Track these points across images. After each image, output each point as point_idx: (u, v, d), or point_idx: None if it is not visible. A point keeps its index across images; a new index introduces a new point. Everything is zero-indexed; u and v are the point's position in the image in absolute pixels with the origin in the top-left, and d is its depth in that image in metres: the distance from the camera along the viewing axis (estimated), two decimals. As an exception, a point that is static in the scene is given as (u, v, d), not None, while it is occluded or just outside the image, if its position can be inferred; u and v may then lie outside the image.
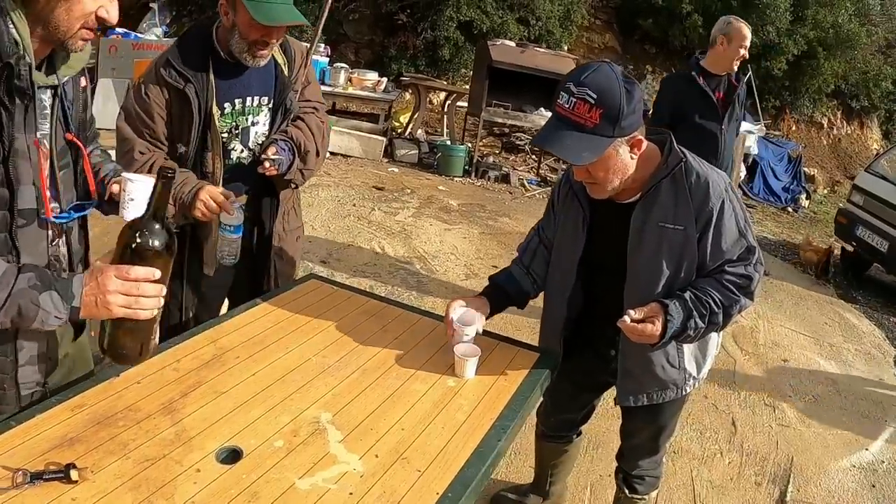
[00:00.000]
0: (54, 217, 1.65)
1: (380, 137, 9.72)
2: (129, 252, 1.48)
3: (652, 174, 2.07)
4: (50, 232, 1.67)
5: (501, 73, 9.41)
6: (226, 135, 2.47)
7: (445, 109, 11.45)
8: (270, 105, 2.56)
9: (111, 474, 1.46)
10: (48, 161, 1.64)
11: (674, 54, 17.55)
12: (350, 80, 9.82)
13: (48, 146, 1.63)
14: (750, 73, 15.03)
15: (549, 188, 9.91)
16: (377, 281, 5.41)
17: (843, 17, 17.43)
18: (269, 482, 1.50)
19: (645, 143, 2.00)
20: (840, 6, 17.51)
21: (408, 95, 11.97)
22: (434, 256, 6.24)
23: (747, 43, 4.24)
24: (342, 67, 9.84)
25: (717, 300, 2.05)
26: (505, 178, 9.84)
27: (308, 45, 4.09)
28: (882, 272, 8.69)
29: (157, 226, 1.48)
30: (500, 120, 10.10)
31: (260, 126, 2.56)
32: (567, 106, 1.87)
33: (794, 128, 19.10)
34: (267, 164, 2.42)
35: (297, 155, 2.52)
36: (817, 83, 18.21)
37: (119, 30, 9.42)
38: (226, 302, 2.89)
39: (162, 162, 2.34)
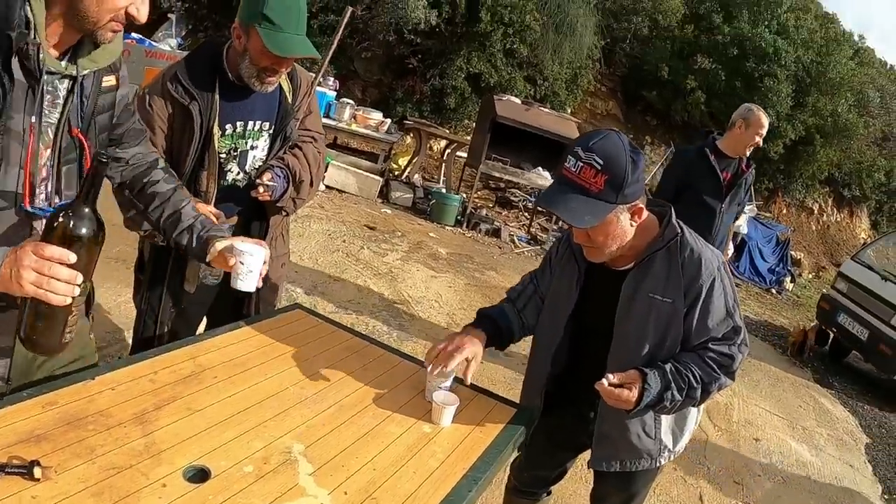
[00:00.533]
0: (31, 208, 1.59)
1: (377, 177, 9.77)
2: (51, 232, 1.44)
3: (648, 244, 2.09)
4: (30, 225, 1.62)
5: (504, 128, 9.51)
6: (223, 155, 2.47)
7: (444, 157, 11.55)
8: (271, 131, 2.57)
9: (75, 477, 1.43)
10: (50, 151, 1.62)
11: (674, 128, 17.84)
12: (355, 116, 9.90)
13: (51, 136, 1.61)
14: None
15: (539, 247, 9.96)
16: (359, 318, 5.38)
17: (842, 107, 17.82)
18: (234, 506, 1.47)
19: (645, 213, 2.04)
20: (840, 96, 17.90)
21: (409, 139, 12.06)
22: (418, 301, 6.23)
23: (763, 132, 4.35)
24: (348, 103, 9.93)
25: (696, 375, 2.05)
26: (496, 233, 9.89)
27: (314, 75, 4.13)
28: (860, 360, 8.80)
29: (85, 210, 1.45)
30: (497, 174, 10.17)
31: (258, 150, 2.57)
32: (574, 170, 1.91)
33: (784, 211, 19.35)
34: (261, 189, 2.43)
35: (291, 183, 2.53)
36: (812, 169, 18.56)
37: (134, 35, 9.49)
38: (203, 321, 2.86)
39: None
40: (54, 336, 1.53)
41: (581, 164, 1.89)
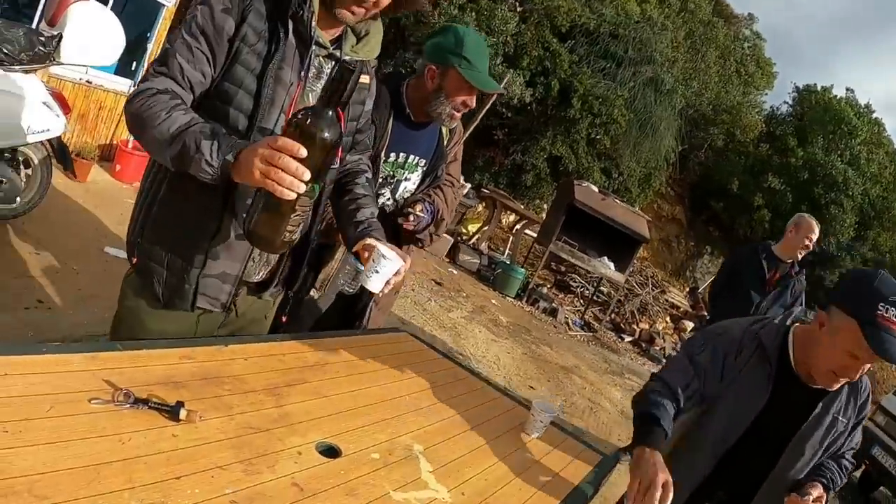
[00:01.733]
0: None
1: (448, 237, 9.92)
2: (289, 127, 1.51)
3: None
4: None
5: (578, 212, 9.64)
6: (381, 180, 2.63)
7: (514, 232, 11.67)
8: (425, 168, 2.74)
9: (214, 427, 1.48)
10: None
11: (735, 242, 17.89)
12: (437, 175, 10.10)
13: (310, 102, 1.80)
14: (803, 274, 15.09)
15: (592, 334, 9.95)
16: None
17: (902, 246, 17.76)
18: (366, 484, 1.53)
19: None
20: (902, 234, 17.88)
21: (481, 207, 12.24)
22: (478, 360, 6.29)
23: (813, 236, 4.57)
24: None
25: (838, 482, 2.21)
26: (552, 312, 9.93)
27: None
28: (889, 497, 8.53)
29: (325, 111, 1.52)
30: (564, 255, 10.26)
31: (410, 183, 2.73)
32: (893, 318, 1.90)
33: (833, 339, 19.04)
34: (411, 219, 2.57)
35: (434, 219, 2.66)
36: (864, 302, 18.29)
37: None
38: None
39: None
40: (276, 232, 1.59)
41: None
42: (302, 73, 1.76)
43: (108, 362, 1.55)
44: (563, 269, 12.26)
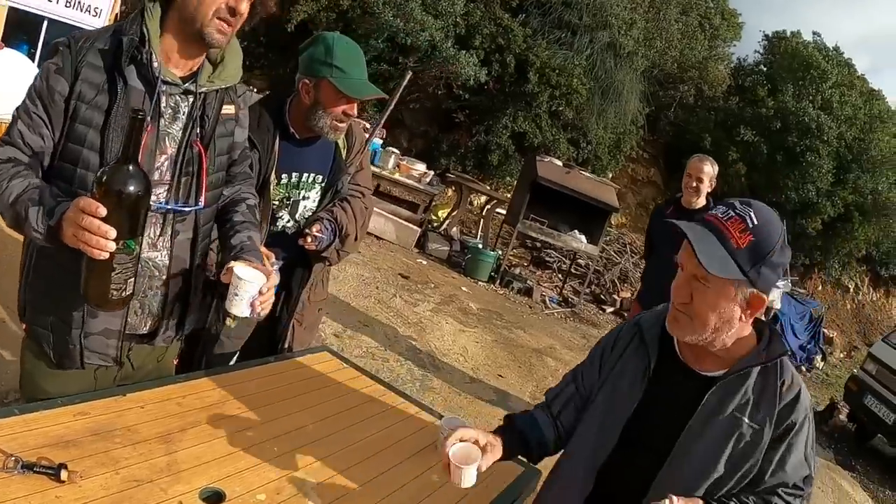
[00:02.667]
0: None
1: (415, 227, 9.94)
2: (95, 185, 1.55)
3: (744, 356, 1.74)
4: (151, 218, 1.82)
5: (544, 189, 9.64)
6: (276, 203, 2.60)
7: (483, 213, 11.68)
8: (323, 183, 2.71)
9: (98, 484, 1.52)
10: (170, 161, 1.83)
11: (714, 199, 17.86)
12: (399, 165, 10.11)
13: (172, 146, 1.83)
14: (783, 226, 15.17)
15: (570, 309, 9.98)
16: (385, 365, 5.46)
17: (882, 185, 17.81)
18: (246, 530, 1.56)
19: (759, 313, 1.70)
20: (882, 174, 17.91)
21: (450, 192, 12.25)
22: (444, 353, 6.30)
23: (704, 176, 4.42)
24: (393, 152, 10.16)
25: None
26: (528, 292, 9.94)
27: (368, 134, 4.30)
28: (885, 443, 8.66)
29: (124, 167, 1.54)
30: (533, 234, 10.26)
31: (309, 201, 2.70)
32: (722, 217, 1.65)
33: (820, 287, 19.20)
34: (309, 240, 2.54)
35: (337, 236, 2.65)
36: (849, 247, 18.47)
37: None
38: (236, 354, 2.96)
39: None
40: (103, 290, 1.63)
41: (733, 214, 1.63)
42: (150, 118, 1.75)
43: (3, 429, 1.59)
44: (538, 245, 12.29)
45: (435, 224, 11.33)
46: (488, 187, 12.56)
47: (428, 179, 10.28)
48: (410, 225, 9.93)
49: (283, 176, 2.58)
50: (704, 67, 18.64)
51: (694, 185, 4.39)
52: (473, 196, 12.39)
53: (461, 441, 1.75)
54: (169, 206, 1.86)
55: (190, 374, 2.21)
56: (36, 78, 1.72)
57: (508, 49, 12.84)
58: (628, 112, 15.25)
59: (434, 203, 10.96)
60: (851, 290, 20.32)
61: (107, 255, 1.54)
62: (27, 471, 1.47)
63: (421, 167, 10.36)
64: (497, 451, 1.83)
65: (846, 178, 17.60)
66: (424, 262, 9.43)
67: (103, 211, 1.49)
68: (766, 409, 1.71)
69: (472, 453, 1.75)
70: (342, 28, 10.91)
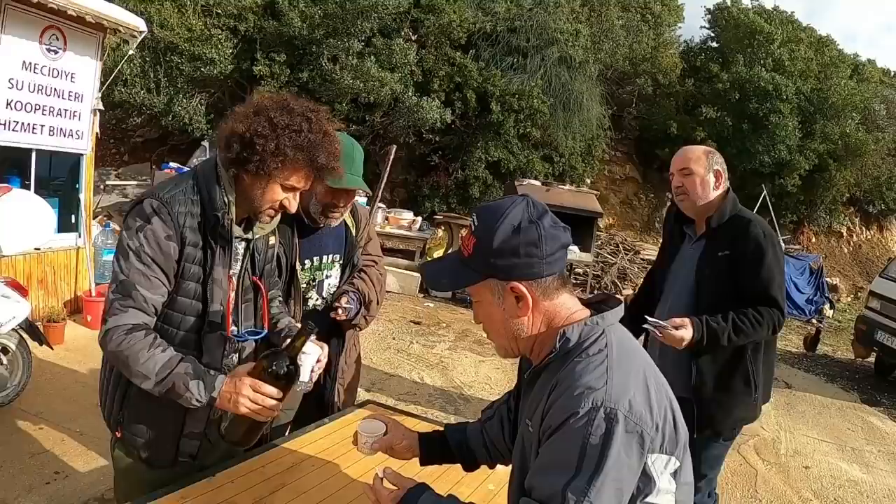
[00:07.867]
0: (232, 335, 2.20)
1: (415, 274, 10.29)
2: (264, 372, 1.96)
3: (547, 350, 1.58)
4: (227, 346, 2.22)
5: (528, 210, 9.94)
6: (304, 286, 2.95)
7: (476, 244, 12.00)
8: (341, 261, 3.07)
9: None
10: (234, 293, 2.23)
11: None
12: (387, 219, 10.51)
13: (236, 282, 2.23)
14: (765, 191, 15.59)
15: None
16: (418, 408, 5.76)
17: (850, 128, 18.16)
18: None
19: (545, 303, 1.56)
20: (846, 117, 18.28)
21: (440, 232, 12.59)
22: (469, 386, 6.64)
23: (688, 171, 3.12)
24: (380, 207, 10.55)
25: None
26: (535, 309, 10.21)
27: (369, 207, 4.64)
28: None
29: (287, 362, 2.00)
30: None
31: (332, 278, 3.06)
32: (463, 237, 1.63)
33: (813, 239, 19.47)
34: (340, 312, 2.90)
35: (362, 304, 3.01)
36: (832, 194, 18.78)
37: (172, 164, 10.35)
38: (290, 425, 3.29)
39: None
40: (251, 437, 2.10)
41: (470, 229, 1.61)
42: (229, 269, 2.18)
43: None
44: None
45: (433, 265, 11.63)
46: (475, 219, 12.89)
47: (417, 226, 10.66)
48: (410, 273, 10.28)
49: (306, 261, 2.93)
50: (655, 57, 19.08)
51: (677, 185, 3.17)
52: (463, 231, 12.71)
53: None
54: (241, 337, 2.27)
55: (262, 446, 2.55)
56: (142, 243, 2.00)
57: (467, 85, 13.34)
58: (592, 118, 15.68)
59: (428, 246, 11.31)
60: (844, 234, 20.64)
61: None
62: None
63: (408, 216, 10.74)
64: (411, 439, 2.09)
65: (813, 129, 17.91)
66: (431, 305, 9.79)
67: (280, 395, 1.98)
68: (540, 408, 1.52)
69: (377, 427, 2.12)
70: (305, 98, 11.28)
